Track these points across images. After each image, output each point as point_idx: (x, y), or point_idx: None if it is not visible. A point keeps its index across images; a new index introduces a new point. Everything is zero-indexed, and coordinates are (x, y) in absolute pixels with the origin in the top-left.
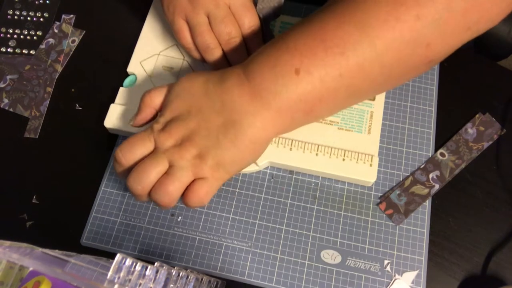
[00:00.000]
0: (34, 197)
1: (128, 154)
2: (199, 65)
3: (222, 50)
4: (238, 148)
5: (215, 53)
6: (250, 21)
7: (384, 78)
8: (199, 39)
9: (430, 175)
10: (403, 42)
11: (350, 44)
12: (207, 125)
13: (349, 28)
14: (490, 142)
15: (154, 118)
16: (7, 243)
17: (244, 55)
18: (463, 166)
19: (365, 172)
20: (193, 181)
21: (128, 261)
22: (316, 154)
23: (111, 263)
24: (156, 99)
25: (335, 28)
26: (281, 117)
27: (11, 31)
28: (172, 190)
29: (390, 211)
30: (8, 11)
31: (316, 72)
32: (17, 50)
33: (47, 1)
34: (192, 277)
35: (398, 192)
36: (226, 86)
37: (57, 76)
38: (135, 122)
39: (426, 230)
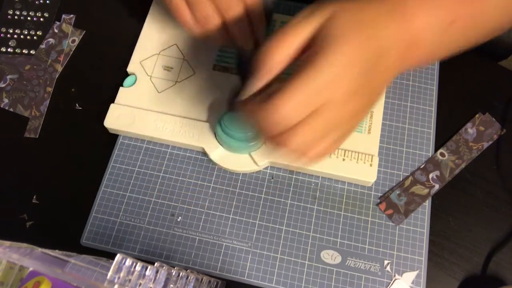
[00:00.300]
0: (34, 197)
1: (291, 121)
2: (200, 64)
3: (224, 23)
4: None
5: (215, 22)
6: None
7: (501, 27)
8: (198, 11)
9: (430, 175)
10: None
11: None
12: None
13: None
14: (490, 142)
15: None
16: (7, 243)
17: (245, 26)
18: (463, 166)
19: (365, 172)
20: None
21: (128, 261)
22: None
23: (111, 263)
24: (281, 57)
25: None
26: (417, 53)
27: (11, 31)
28: (308, 141)
29: (390, 211)
30: (8, 11)
31: (464, 26)
32: (17, 50)
33: (47, 1)
34: (192, 277)
35: (398, 192)
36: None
37: (57, 76)
38: (251, 92)
39: (426, 230)
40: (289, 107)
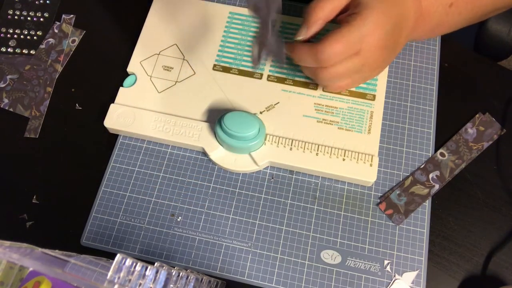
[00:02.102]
0: (34, 197)
1: (332, 60)
2: (200, 64)
3: None
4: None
5: None
6: None
7: (498, 7)
8: None
9: (430, 175)
10: None
11: None
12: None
13: None
14: (490, 142)
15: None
16: (7, 243)
17: None
18: (463, 166)
19: (365, 172)
20: None
21: (128, 261)
22: (316, 154)
23: (111, 263)
24: (327, 6)
25: None
26: (425, 25)
27: (11, 31)
28: (342, 73)
29: (390, 211)
30: (8, 11)
31: (464, 7)
32: (17, 50)
33: (47, 1)
34: (192, 277)
35: (398, 192)
36: None
37: (57, 76)
38: (307, 37)
39: (426, 230)
40: (334, 50)
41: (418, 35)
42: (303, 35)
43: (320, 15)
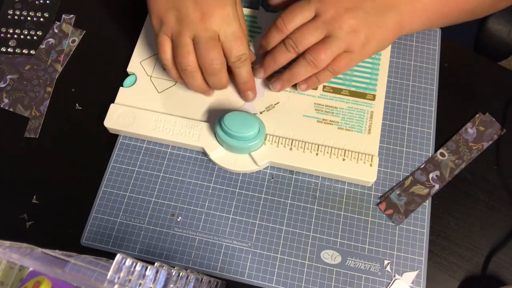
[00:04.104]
0: (34, 197)
1: (288, 23)
2: None
3: (202, 73)
4: (389, 30)
5: (194, 76)
6: (238, 51)
7: None
8: (180, 59)
9: (430, 175)
10: None
11: None
12: (367, 3)
13: None
14: (490, 142)
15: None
16: (7, 243)
17: (223, 81)
18: (463, 166)
19: (365, 172)
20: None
21: (128, 261)
22: (316, 154)
23: (111, 263)
24: (296, 19)
25: None
26: (425, 13)
27: (11, 31)
28: (324, 58)
29: (390, 211)
30: (8, 11)
31: None
32: (17, 50)
33: (47, 1)
34: (192, 277)
35: (398, 192)
36: None
37: (57, 76)
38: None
39: (426, 230)
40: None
41: (417, 26)
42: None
43: (290, 27)
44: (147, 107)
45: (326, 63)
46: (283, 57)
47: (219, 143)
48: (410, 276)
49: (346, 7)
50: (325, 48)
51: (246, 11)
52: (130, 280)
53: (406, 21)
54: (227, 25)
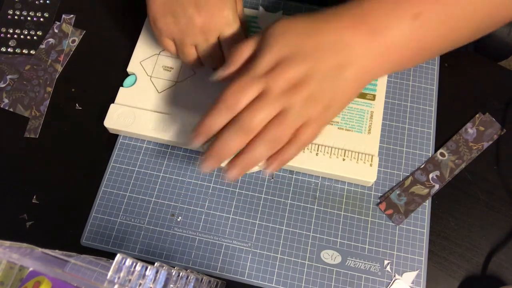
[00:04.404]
0: (34, 197)
1: (240, 99)
2: None
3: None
4: (349, 89)
5: (194, 65)
6: None
7: (477, 28)
8: (182, 60)
9: (430, 175)
10: None
11: None
12: (319, 67)
13: None
14: (490, 142)
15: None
16: (7, 243)
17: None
18: (463, 166)
19: (365, 172)
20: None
21: (128, 261)
22: (316, 154)
23: (111, 263)
24: (246, 53)
25: None
26: (391, 59)
27: (11, 31)
28: (282, 136)
29: (390, 211)
30: (8, 11)
31: (434, 17)
32: (17, 50)
33: (47, 1)
34: (192, 277)
35: (398, 192)
36: (339, 25)
37: (57, 76)
38: (222, 75)
39: (426, 230)
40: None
41: (392, 70)
42: (220, 74)
43: (240, 59)
44: (147, 107)
45: (286, 138)
46: (236, 143)
47: None
48: (410, 276)
49: (297, 77)
50: (282, 123)
51: (246, 11)
52: (130, 280)
53: (368, 73)
54: (228, 28)
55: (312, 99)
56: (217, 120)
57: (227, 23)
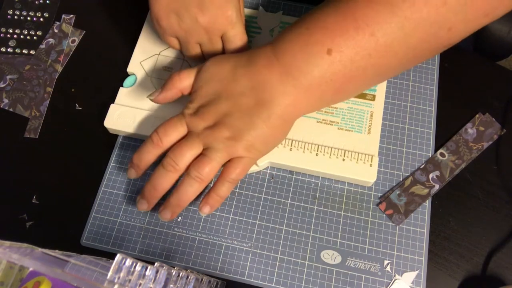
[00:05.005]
0: (34, 197)
1: (164, 137)
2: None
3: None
4: (271, 127)
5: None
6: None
7: (408, 58)
8: (189, 58)
9: (430, 175)
10: (428, 25)
11: (380, 23)
12: (239, 107)
13: (379, 8)
14: (490, 142)
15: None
16: (7, 243)
17: None
18: (463, 166)
19: (365, 172)
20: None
21: (128, 261)
22: (316, 154)
23: (111, 263)
24: (185, 81)
25: (365, 7)
26: (312, 96)
27: (11, 31)
28: (209, 171)
29: (390, 211)
30: (8, 11)
31: (348, 51)
32: (17, 50)
33: (47, 1)
34: (192, 277)
35: (398, 192)
36: (255, 68)
37: (57, 76)
38: (158, 99)
39: (426, 230)
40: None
41: (319, 105)
42: (155, 95)
43: (178, 85)
44: (147, 107)
45: (213, 174)
46: (165, 180)
47: None
48: (410, 276)
49: (217, 117)
50: (207, 160)
51: (246, 11)
52: (130, 280)
53: (292, 111)
54: (231, 28)
55: (232, 137)
56: (146, 155)
57: (230, 23)
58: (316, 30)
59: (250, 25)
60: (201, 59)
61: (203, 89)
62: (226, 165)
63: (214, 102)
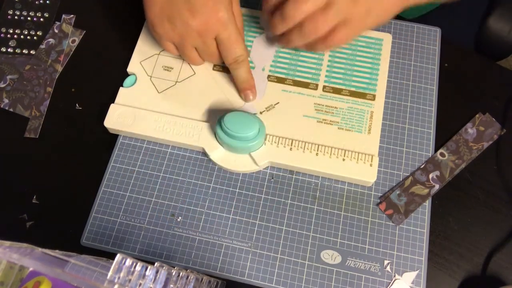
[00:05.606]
0: (34, 197)
1: None
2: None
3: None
4: (390, 1)
5: (197, 63)
6: (234, 54)
7: None
8: (188, 61)
9: (430, 175)
10: None
11: None
12: None
13: None
14: (490, 142)
15: None
16: (7, 243)
17: (218, 61)
18: (463, 166)
19: (365, 172)
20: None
21: (128, 261)
22: (316, 154)
23: (111, 263)
24: None
25: None
26: None
27: (11, 31)
28: (321, 26)
29: (390, 211)
30: (8, 11)
31: None
32: (17, 50)
33: (47, 1)
34: (192, 277)
35: (398, 192)
36: None
37: (57, 76)
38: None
39: (426, 230)
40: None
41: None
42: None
43: None
44: (147, 107)
45: (323, 32)
46: (279, 28)
47: (219, 143)
48: (410, 276)
49: None
50: (323, 16)
51: (246, 11)
52: (130, 280)
53: None
54: (223, 29)
55: (356, 0)
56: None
57: (222, 25)
58: None
59: (250, 24)
60: (200, 63)
61: None
62: (333, 28)
63: None
